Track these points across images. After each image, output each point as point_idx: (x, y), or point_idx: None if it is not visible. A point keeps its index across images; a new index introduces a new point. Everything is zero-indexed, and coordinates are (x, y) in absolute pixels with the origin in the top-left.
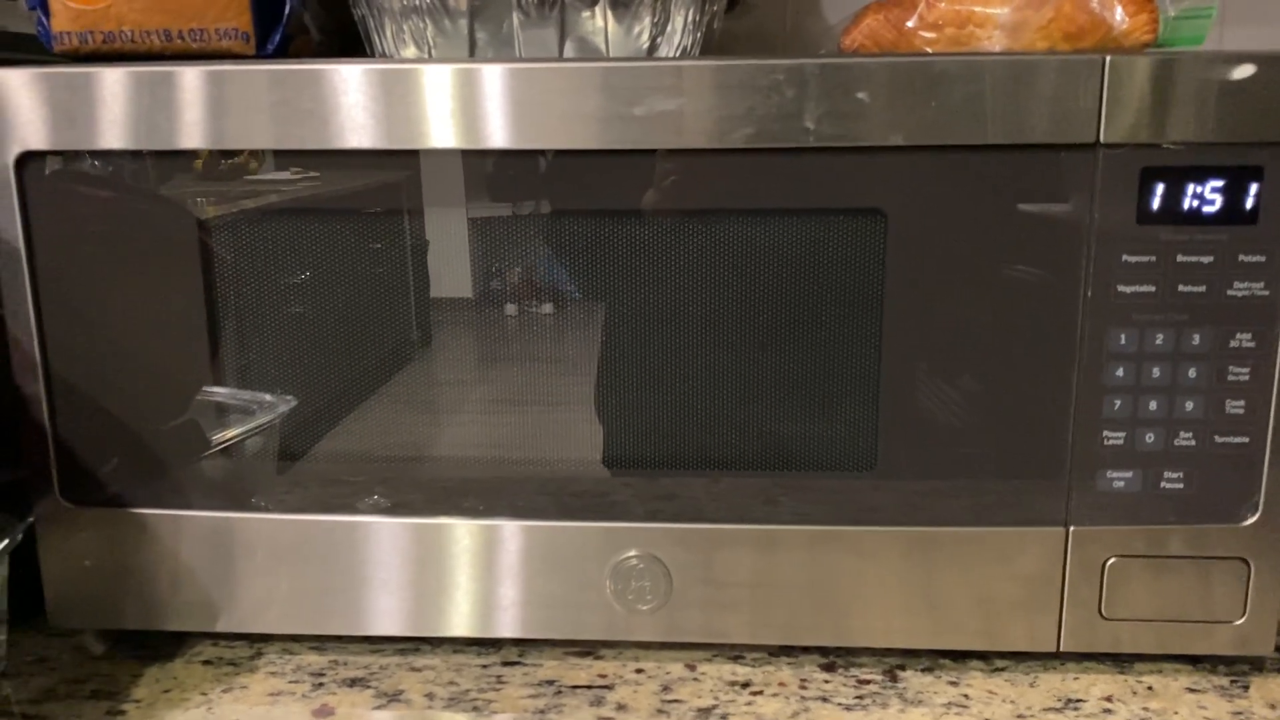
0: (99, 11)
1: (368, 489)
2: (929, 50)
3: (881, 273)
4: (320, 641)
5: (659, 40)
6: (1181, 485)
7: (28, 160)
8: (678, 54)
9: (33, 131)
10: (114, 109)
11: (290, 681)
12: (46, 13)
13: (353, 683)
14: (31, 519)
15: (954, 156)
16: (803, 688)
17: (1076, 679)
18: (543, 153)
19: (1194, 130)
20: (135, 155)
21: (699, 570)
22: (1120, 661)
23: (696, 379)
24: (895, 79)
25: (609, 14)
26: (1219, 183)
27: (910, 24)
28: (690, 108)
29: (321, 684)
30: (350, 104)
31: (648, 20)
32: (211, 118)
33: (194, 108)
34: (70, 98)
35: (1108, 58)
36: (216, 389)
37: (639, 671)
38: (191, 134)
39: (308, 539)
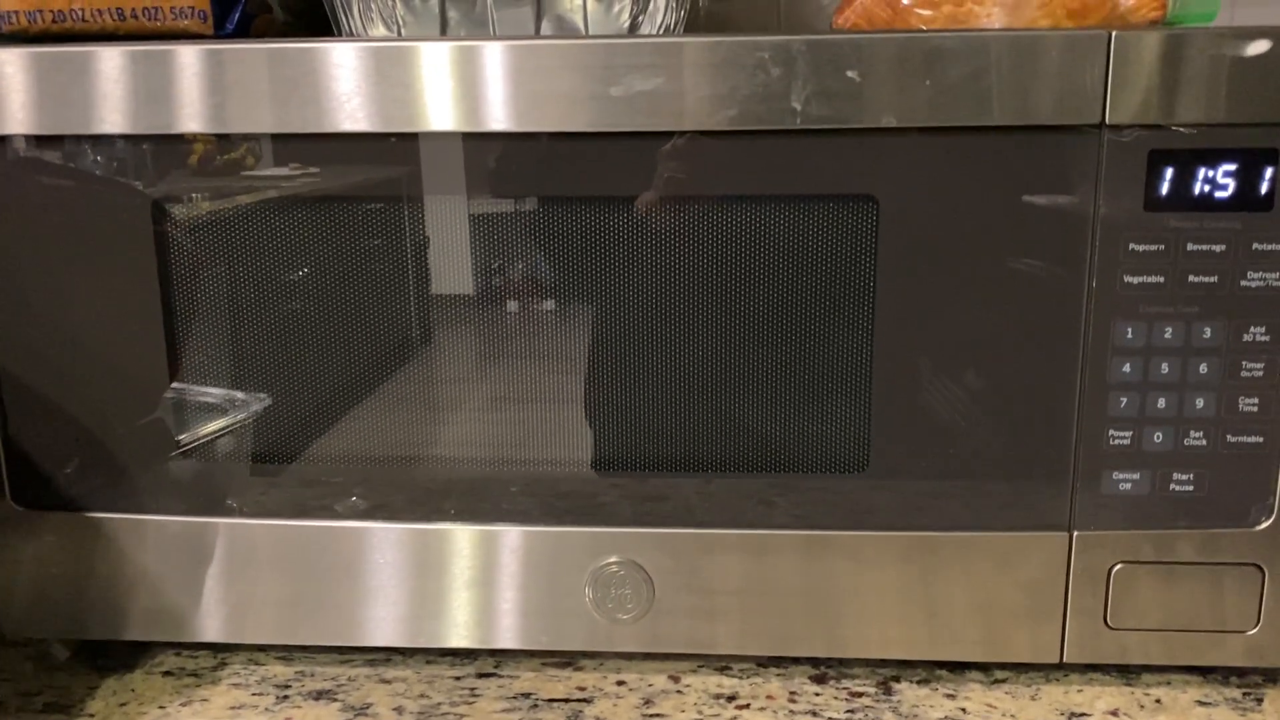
0: None
1: (345, 491)
2: (922, 28)
3: (873, 262)
4: (288, 652)
5: (640, 19)
6: (1191, 487)
7: None
8: (660, 33)
9: None
10: (72, 92)
11: (254, 694)
12: None
13: (319, 695)
14: None
15: (950, 139)
16: (791, 701)
17: (1080, 691)
18: (541, 135)
19: (1205, 111)
20: (90, 138)
21: (682, 577)
22: (1127, 673)
23: (681, 374)
24: (887, 56)
25: None
26: (1231, 166)
27: (906, 1)
28: (688, 88)
29: (286, 696)
30: (347, 84)
31: None
32: (202, 100)
33: (188, 89)
34: (20, 80)
35: (1113, 33)
36: (185, 386)
37: (620, 684)
38: (170, 118)
39: (281, 544)
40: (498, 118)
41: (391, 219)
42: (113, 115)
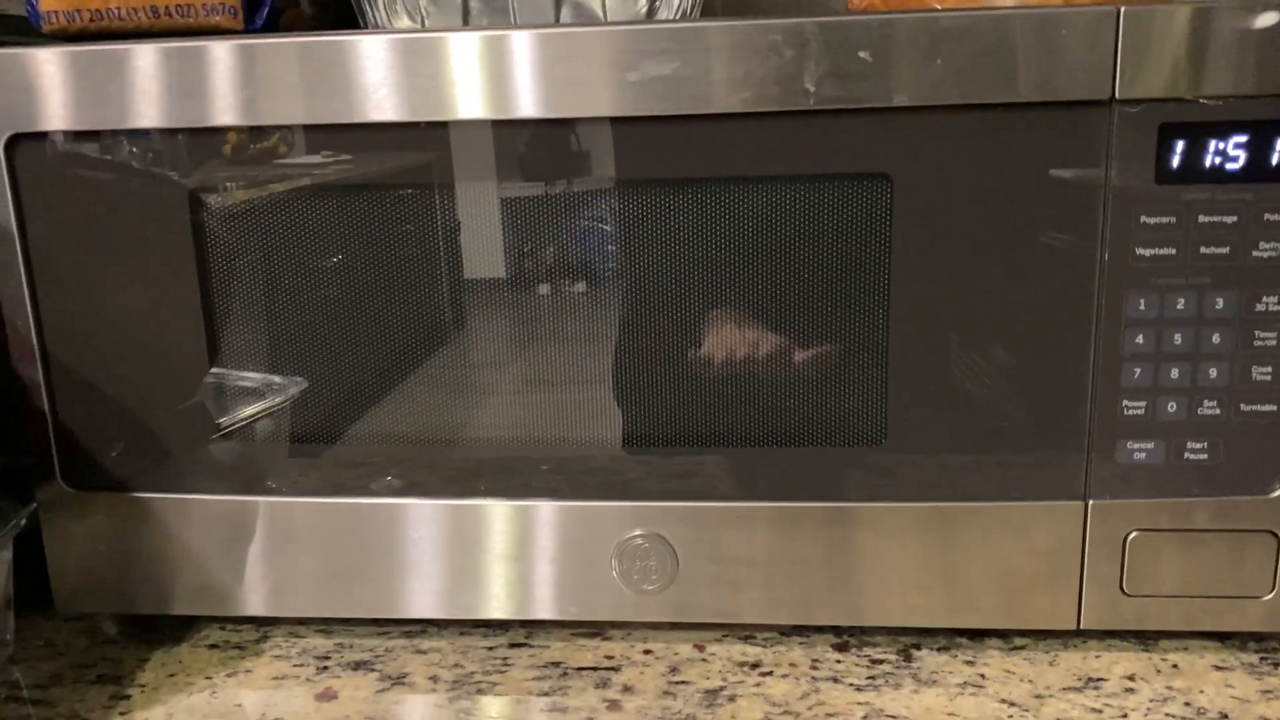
0: None
1: (382, 470)
2: (938, 7)
3: (888, 239)
4: (327, 624)
5: (658, 4)
6: (1205, 456)
7: (18, 142)
8: (677, 17)
9: (23, 113)
10: (108, 88)
11: (295, 665)
12: None
13: (357, 666)
14: (35, 504)
15: (962, 117)
16: (814, 668)
17: (1098, 657)
18: (567, 121)
19: (1216, 83)
20: (129, 132)
21: (706, 548)
22: (1144, 638)
23: (702, 350)
24: (898, 37)
25: None
26: (1242, 138)
27: None
28: (705, 72)
29: (326, 667)
30: (378, 75)
31: None
32: (235, 94)
33: (220, 83)
34: (62, 78)
35: (1122, 9)
36: (225, 370)
37: (647, 652)
38: (201, 111)
39: (320, 521)
40: (525, 105)
41: (423, 205)
42: (149, 110)
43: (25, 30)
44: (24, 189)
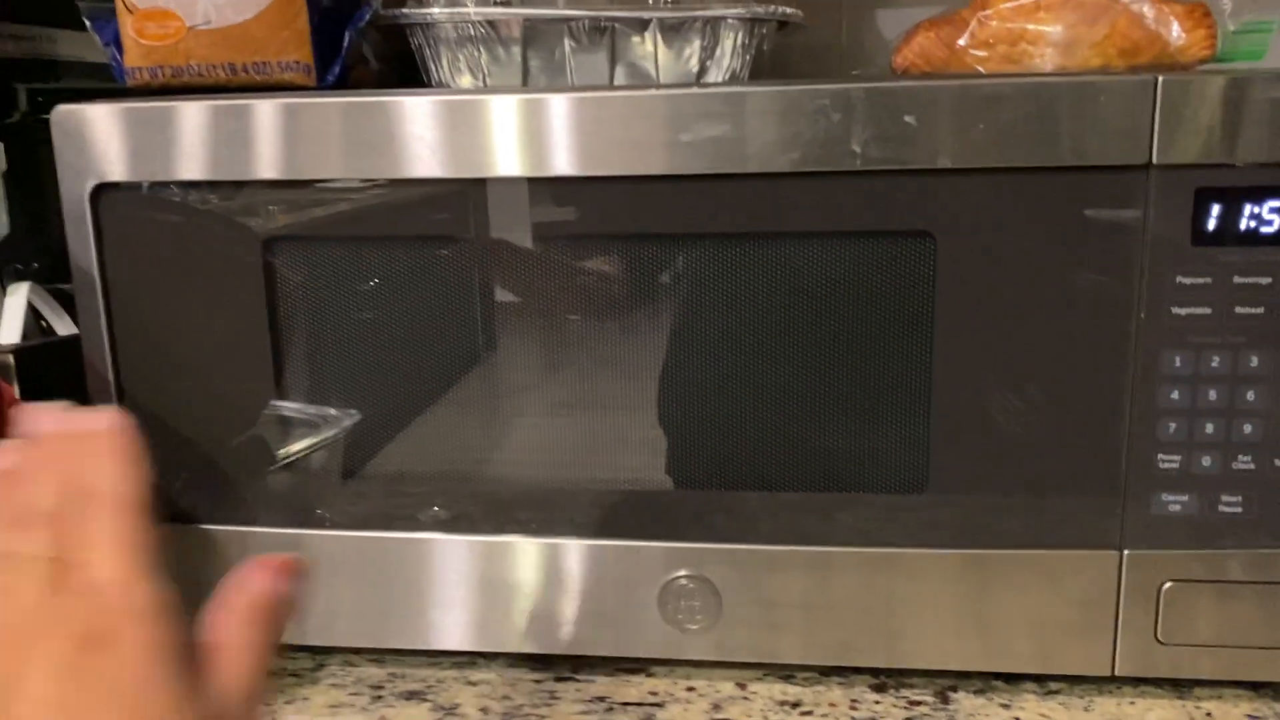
0: (168, 47)
1: (428, 501)
2: (980, 69)
3: (932, 295)
4: (380, 654)
5: (708, 64)
6: (1240, 509)
7: (102, 191)
8: (726, 77)
9: (106, 164)
10: (187, 141)
11: (350, 694)
12: (120, 49)
13: (410, 695)
14: None
15: (1003, 179)
16: (853, 708)
17: (1133, 704)
18: (606, 179)
19: (1251, 150)
20: (207, 183)
21: (749, 591)
22: (1179, 686)
23: (750, 398)
24: (942, 102)
25: (659, 39)
26: (1277, 203)
27: (962, 42)
28: (753, 133)
29: (380, 696)
30: (418, 134)
31: (697, 44)
32: (283, 149)
33: (266, 139)
34: (143, 131)
35: (1160, 78)
36: (282, 403)
37: (690, 689)
38: (263, 165)
39: (370, 554)
40: (562, 164)
41: (463, 255)
42: (197, 163)
43: (109, 76)
44: (106, 236)
